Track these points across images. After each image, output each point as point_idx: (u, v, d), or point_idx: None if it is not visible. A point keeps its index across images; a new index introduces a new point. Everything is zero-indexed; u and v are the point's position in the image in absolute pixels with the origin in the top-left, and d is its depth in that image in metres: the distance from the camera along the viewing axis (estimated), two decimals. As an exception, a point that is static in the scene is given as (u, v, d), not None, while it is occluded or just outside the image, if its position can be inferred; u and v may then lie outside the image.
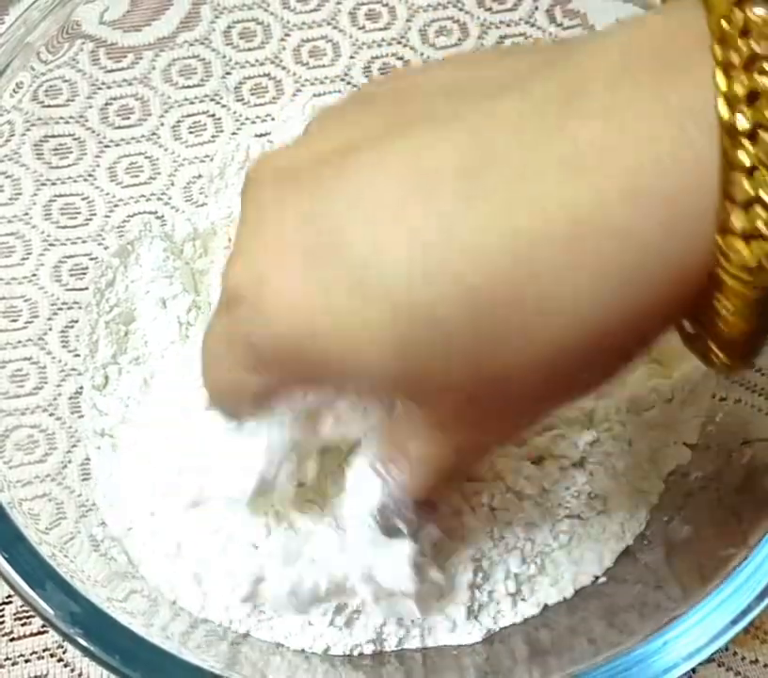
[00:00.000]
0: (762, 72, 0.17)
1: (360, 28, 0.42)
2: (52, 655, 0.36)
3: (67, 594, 0.28)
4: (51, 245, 0.39)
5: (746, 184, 0.17)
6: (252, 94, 0.42)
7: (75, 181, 0.40)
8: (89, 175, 0.40)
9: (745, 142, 0.17)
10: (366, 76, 0.42)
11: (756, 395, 0.35)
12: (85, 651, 0.27)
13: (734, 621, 0.28)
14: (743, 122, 0.17)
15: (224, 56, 0.42)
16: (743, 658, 0.36)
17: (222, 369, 0.25)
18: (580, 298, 0.19)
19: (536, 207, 0.19)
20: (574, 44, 0.21)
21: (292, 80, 0.42)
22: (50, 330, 0.37)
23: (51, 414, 0.36)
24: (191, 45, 0.41)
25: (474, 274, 0.19)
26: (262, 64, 0.42)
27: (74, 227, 0.39)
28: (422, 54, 0.42)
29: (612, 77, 0.19)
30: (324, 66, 0.42)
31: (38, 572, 0.28)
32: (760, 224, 0.17)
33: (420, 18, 0.42)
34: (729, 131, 0.17)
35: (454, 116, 0.20)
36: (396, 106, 0.22)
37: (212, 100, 0.42)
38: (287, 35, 0.42)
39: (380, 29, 0.42)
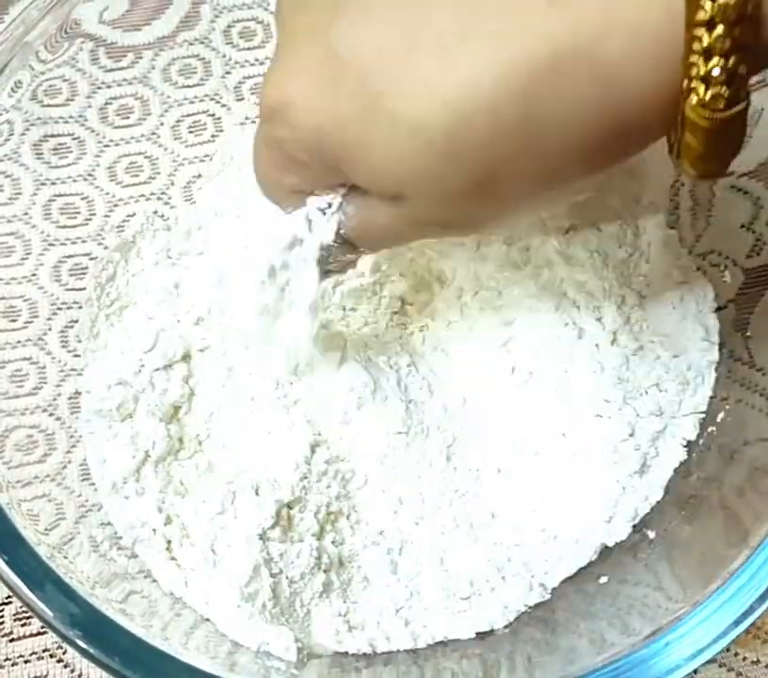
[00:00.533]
0: None
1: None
2: (51, 656, 0.36)
3: (66, 596, 0.28)
4: (50, 245, 0.38)
5: (706, 37, 0.21)
6: (252, 93, 0.42)
7: (75, 180, 0.39)
8: (89, 175, 0.40)
9: (705, 2, 0.21)
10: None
11: (757, 395, 0.35)
12: (84, 652, 0.27)
13: (736, 622, 0.28)
14: None
15: (224, 56, 0.42)
16: (744, 659, 0.36)
17: (265, 166, 0.29)
18: (567, 119, 0.23)
19: (523, 41, 0.22)
20: None
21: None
22: (50, 330, 0.37)
23: (51, 414, 0.36)
24: (191, 45, 0.41)
25: (468, 104, 0.23)
26: (262, 63, 0.42)
27: (74, 227, 0.39)
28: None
29: None
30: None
31: (37, 573, 0.28)
32: (715, 72, 0.21)
33: None
34: None
35: None
36: None
37: (212, 99, 0.42)
38: (287, 34, 0.42)
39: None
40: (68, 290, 0.38)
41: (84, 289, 0.38)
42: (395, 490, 0.36)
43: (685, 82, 0.22)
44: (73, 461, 0.36)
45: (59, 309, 0.38)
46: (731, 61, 0.21)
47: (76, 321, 0.38)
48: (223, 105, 0.42)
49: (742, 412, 0.35)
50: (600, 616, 0.33)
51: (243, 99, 0.42)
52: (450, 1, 0.23)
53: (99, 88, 0.40)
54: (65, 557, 0.30)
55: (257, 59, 0.42)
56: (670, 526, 0.35)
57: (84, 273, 0.39)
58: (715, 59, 0.21)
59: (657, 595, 0.32)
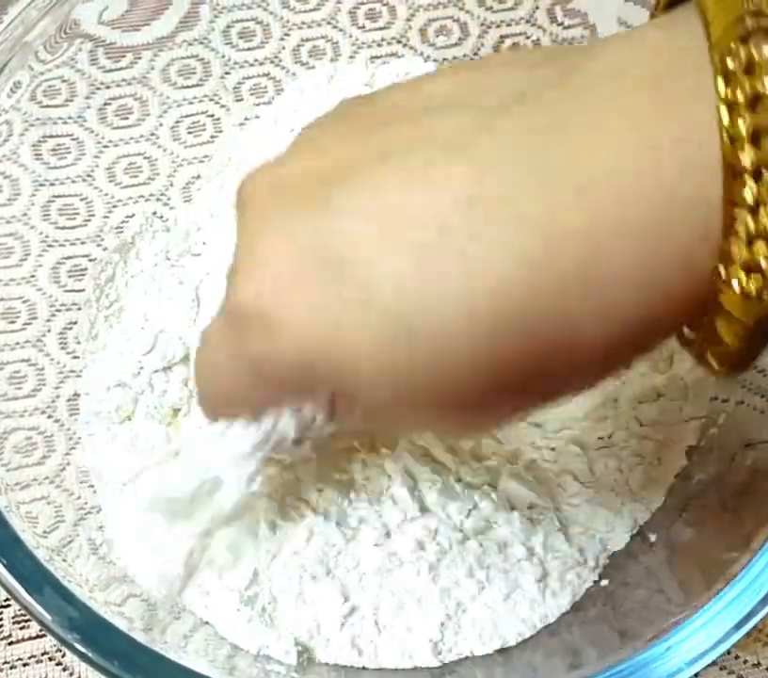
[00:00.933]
0: (765, 110, 0.17)
1: (359, 28, 0.42)
2: (51, 659, 0.36)
3: (64, 599, 0.28)
4: (49, 246, 0.38)
5: (750, 220, 0.18)
6: (251, 94, 0.42)
7: (74, 181, 0.39)
8: (88, 176, 0.40)
9: (749, 180, 0.17)
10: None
11: (758, 396, 0.35)
12: (82, 656, 0.27)
13: (738, 626, 0.28)
14: (746, 161, 0.17)
15: (223, 56, 0.41)
16: (744, 661, 0.36)
17: (222, 383, 0.24)
18: (585, 325, 0.20)
19: (546, 235, 0.19)
20: (574, 59, 0.21)
21: (291, 80, 0.42)
22: (48, 331, 0.37)
23: (49, 417, 0.36)
24: (190, 45, 0.41)
25: (487, 301, 0.19)
26: (261, 64, 0.42)
27: (73, 228, 0.39)
28: (421, 53, 0.42)
29: (611, 105, 0.19)
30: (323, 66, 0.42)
31: (35, 576, 0.28)
32: (761, 259, 0.18)
33: (420, 17, 0.42)
34: (733, 169, 0.18)
35: (456, 137, 0.20)
36: (395, 124, 0.22)
37: (211, 100, 0.41)
38: (287, 34, 0.42)
39: (380, 29, 0.42)
40: (67, 291, 0.38)
41: (83, 290, 0.38)
42: None
43: (721, 268, 0.18)
44: (72, 463, 0.36)
45: (58, 310, 0.37)
46: None
47: (75, 323, 0.38)
48: (222, 106, 0.42)
49: (743, 415, 0.35)
50: (601, 619, 0.33)
51: (242, 99, 0.42)
52: (454, 191, 0.20)
53: (98, 88, 0.40)
54: (64, 560, 0.30)
55: (256, 60, 0.42)
56: (671, 529, 0.34)
57: (83, 274, 0.39)
58: (760, 244, 0.18)
59: (658, 598, 0.32)
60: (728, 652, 0.29)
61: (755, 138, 0.17)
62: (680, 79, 0.19)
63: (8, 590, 0.28)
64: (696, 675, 0.28)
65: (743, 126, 0.17)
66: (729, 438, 0.35)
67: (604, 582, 0.35)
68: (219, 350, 0.24)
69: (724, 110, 0.18)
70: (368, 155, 0.21)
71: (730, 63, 0.18)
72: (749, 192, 0.17)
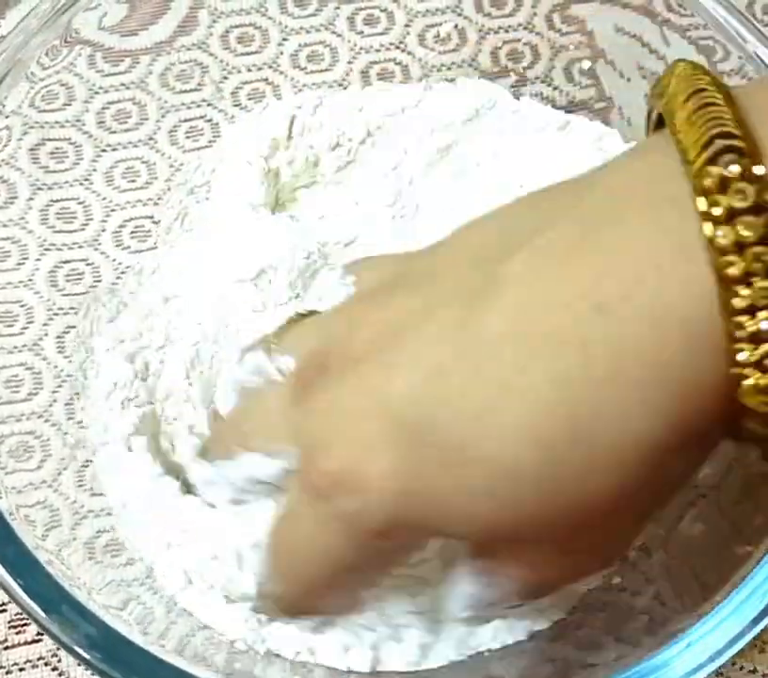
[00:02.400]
0: (744, 225, 0.19)
1: (358, 33, 0.42)
2: (46, 664, 0.36)
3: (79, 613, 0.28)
4: (47, 250, 0.38)
5: (748, 323, 0.19)
6: (249, 99, 0.42)
7: (72, 185, 0.39)
8: (86, 179, 0.40)
9: (739, 288, 0.19)
10: (364, 81, 0.42)
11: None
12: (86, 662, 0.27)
13: (739, 636, 0.28)
14: (733, 270, 0.19)
15: (221, 61, 0.42)
16: (741, 668, 0.36)
17: (305, 563, 0.26)
18: (629, 427, 0.21)
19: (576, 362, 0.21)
20: (578, 189, 0.23)
21: (290, 85, 0.42)
22: (45, 335, 0.37)
23: (46, 421, 0.36)
24: (188, 50, 0.41)
25: (545, 432, 0.21)
26: (259, 69, 0.42)
27: (71, 232, 0.39)
28: (420, 59, 0.42)
29: (605, 236, 0.21)
30: (322, 71, 0.42)
31: (53, 597, 0.28)
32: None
33: (419, 23, 0.42)
34: (723, 279, 0.19)
35: (486, 287, 0.23)
36: (430, 284, 0.25)
37: (209, 104, 0.42)
38: (285, 39, 0.42)
39: (379, 34, 0.42)
40: (64, 295, 0.38)
41: (80, 294, 0.38)
42: None
43: (735, 369, 0.20)
44: (69, 468, 0.35)
45: (56, 314, 0.37)
46: None
47: (73, 327, 0.37)
48: (220, 111, 0.42)
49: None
50: (600, 629, 0.33)
51: (239, 104, 0.42)
52: (502, 335, 0.22)
53: (96, 92, 0.40)
54: (63, 563, 0.30)
55: (254, 65, 0.42)
56: (670, 537, 0.34)
57: (80, 278, 0.39)
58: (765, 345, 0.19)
59: (657, 607, 0.32)
60: (726, 659, 0.29)
61: (740, 248, 0.19)
62: (662, 203, 0.21)
63: (8, 592, 0.28)
64: (696, 684, 0.28)
65: (723, 239, 0.19)
66: (726, 443, 0.35)
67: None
68: (301, 526, 0.25)
69: (708, 226, 0.20)
70: (412, 315, 0.24)
71: (707, 182, 0.20)
72: (739, 300, 0.19)
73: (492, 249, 0.24)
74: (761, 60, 0.35)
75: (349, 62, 0.42)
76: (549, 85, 0.42)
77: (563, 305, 0.21)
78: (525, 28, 0.42)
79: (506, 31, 0.42)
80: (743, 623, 0.28)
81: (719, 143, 0.20)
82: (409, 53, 0.42)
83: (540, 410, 0.21)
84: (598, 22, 0.41)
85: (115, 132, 0.40)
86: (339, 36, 0.42)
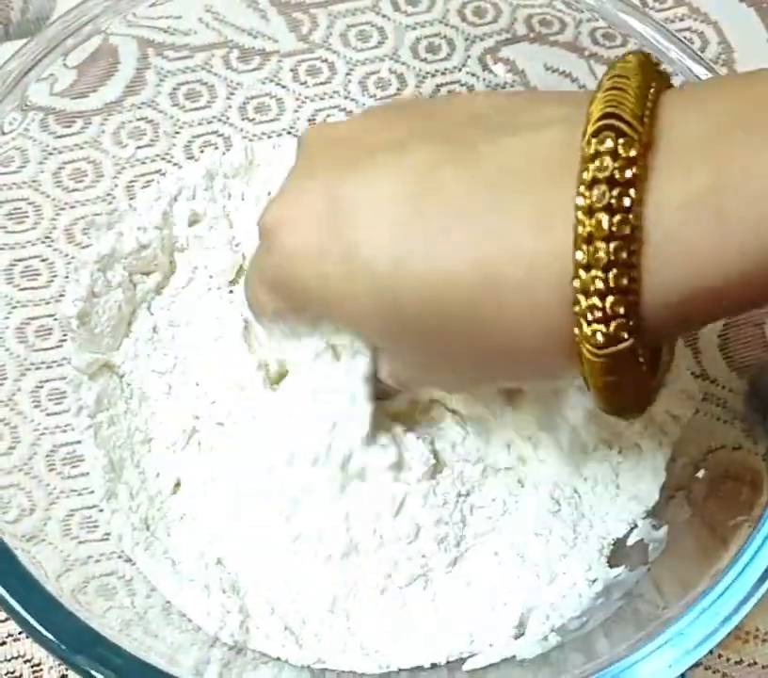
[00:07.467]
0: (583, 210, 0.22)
1: (301, 84, 0.44)
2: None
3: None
4: (13, 308, 0.39)
5: (583, 275, 0.22)
6: (201, 151, 0.43)
7: (34, 244, 0.40)
8: (46, 238, 0.40)
9: (584, 245, 0.22)
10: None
11: (713, 405, 0.36)
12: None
13: (716, 629, 0.29)
14: (582, 231, 0.22)
15: (171, 117, 0.43)
16: (727, 659, 0.37)
17: (253, 288, 0.32)
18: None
19: (493, 249, 0.24)
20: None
21: (240, 136, 0.43)
22: (18, 390, 0.37)
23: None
24: (138, 108, 0.43)
25: (434, 286, 0.25)
26: (209, 122, 0.43)
27: (35, 289, 0.40)
28: (363, 104, 0.44)
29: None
30: (270, 120, 0.44)
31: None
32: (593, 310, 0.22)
33: (359, 70, 0.44)
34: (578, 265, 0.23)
35: (467, 143, 0.26)
36: (426, 119, 0.28)
37: (163, 159, 0.43)
38: (232, 93, 0.44)
39: (321, 83, 0.44)
40: (34, 351, 0.38)
41: (50, 349, 0.39)
42: None
43: (573, 316, 0.23)
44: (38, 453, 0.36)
45: (27, 369, 0.38)
46: (608, 302, 0.22)
47: (46, 381, 0.38)
48: (175, 164, 0.43)
49: (702, 423, 0.37)
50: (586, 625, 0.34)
51: (192, 157, 0.43)
52: (451, 205, 0.25)
53: (50, 153, 0.41)
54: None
55: (204, 119, 0.43)
56: (648, 537, 0.35)
57: (49, 334, 0.39)
58: (593, 299, 0.22)
59: (640, 604, 0.33)
60: (710, 652, 0.29)
61: (590, 213, 0.22)
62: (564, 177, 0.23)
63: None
64: (682, 675, 0.29)
65: (583, 203, 0.22)
66: (692, 446, 0.36)
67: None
68: (252, 264, 0.32)
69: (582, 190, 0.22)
70: (391, 145, 0.27)
71: (588, 148, 0.23)
72: (580, 254, 0.22)
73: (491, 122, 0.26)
74: (696, 76, 0.37)
75: (295, 111, 0.44)
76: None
77: (498, 215, 0.24)
78: (461, 70, 0.44)
79: (443, 74, 0.44)
80: (722, 616, 0.29)
81: (610, 120, 0.22)
82: (352, 99, 0.44)
83: (435, 275, 0.25)
84: (528, 61, 0.44)
85: (73, 190, 0.41)
86: (284, 87, 0.44)
